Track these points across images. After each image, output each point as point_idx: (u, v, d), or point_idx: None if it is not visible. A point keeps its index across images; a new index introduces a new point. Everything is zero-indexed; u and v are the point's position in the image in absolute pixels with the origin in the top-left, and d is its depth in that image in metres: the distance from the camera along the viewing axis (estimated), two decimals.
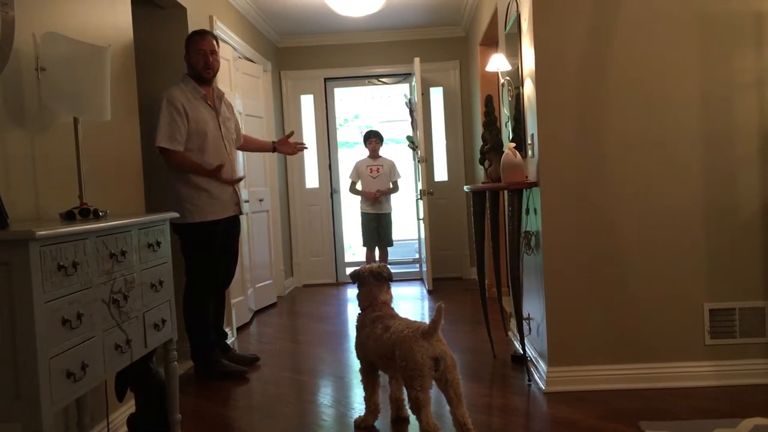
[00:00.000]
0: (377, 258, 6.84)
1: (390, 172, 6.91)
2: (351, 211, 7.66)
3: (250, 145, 4.46)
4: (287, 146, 4.47)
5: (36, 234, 1.76)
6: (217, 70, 3.95)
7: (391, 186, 6.94)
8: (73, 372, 1.93)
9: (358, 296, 3.05)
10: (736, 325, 3.28)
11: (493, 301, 4.92)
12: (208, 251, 3.86)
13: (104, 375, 2.16)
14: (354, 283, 3.08)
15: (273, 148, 4.49)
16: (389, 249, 7.03)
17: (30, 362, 1.77)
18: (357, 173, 6.95)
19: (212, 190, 3.81)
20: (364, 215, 6.91)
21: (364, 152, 7.02)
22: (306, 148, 4.65)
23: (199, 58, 3.82)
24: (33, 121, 2.47)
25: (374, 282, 3.00)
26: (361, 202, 6.93)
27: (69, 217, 2.36)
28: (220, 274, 4.01)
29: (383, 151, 7.02)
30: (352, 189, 7.01)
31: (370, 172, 6.87)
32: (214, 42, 3.91)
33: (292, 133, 4.56)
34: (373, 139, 6.95)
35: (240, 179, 4.00)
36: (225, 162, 3.83)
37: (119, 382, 2.79)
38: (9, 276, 1.76)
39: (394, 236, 7.08)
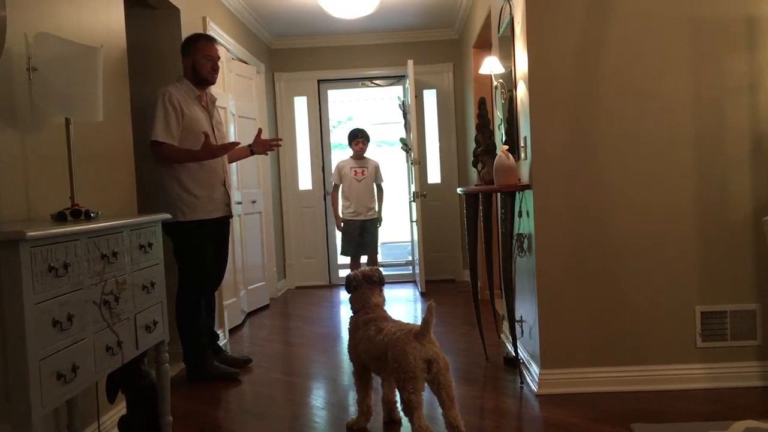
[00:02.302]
0: (364, 263, 6.38)
1: (375, 175, 6.37)
2: None
3: (231, 157, 4.35)
4: (260, 146, 4.26)
5: (26, 235, 1.75)
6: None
7: (376, 191, 6.38)
8: (63, 374, 1.91)
9: (351, 299, 3.05)
10: (727, 327, 3.29)
11: (486, 304, 4.93)
12: (200, 251, 3.86)
13: (95, 377, 2.15)
14: (347, 287, 3.07)
15: (251, 151, 4.28)
16: (378, 251, 6.54)
17: (20, 364, 1.76)
18: (339, 175, 6.36)
19: (204, 189, 3.83)
20: (345, 222, 6.32)
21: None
22: (279, 145, 4.43)
23: (207, 63, 3.90)
24: (24, 121, 2.46)
25: (367, 285, 3.00)
26: (342, 206, 6.35)
27: (60, 218, 2.34)
28: (210, 275, 4.01)
29: (369, 152, 6.52)
30: (335, 195, 6.40)
31: (355, 174, 6.31)
32: (218, 49, 4.03)
33: (260, 131, 4.29)
34: (360, 139, 6.35)
35: (233, 144, 3.87)
36: (217, 162, 3.88)
37: (110, 384, 2.78)
38: None
39: (388, 238, 6.73)
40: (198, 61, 3.88)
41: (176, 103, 3.73)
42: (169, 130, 3.71)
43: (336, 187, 6.40)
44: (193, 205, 3.80)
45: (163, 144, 3.70)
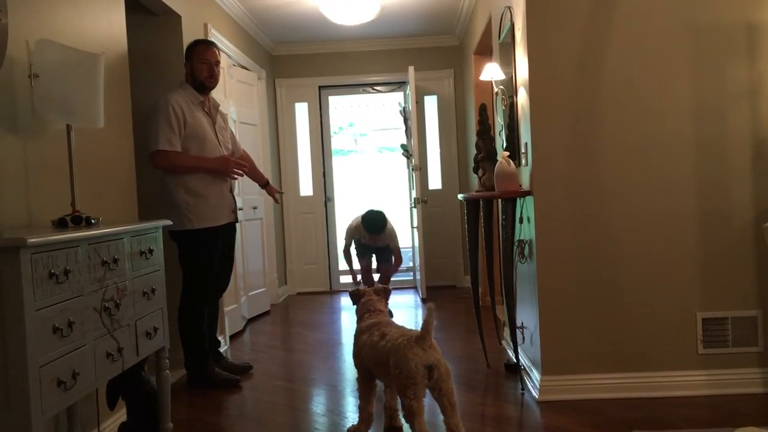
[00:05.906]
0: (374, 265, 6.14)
1: (390, 236, 5.90)
2: (346, 217, 7.35)
3: (250, 171, 4.35)
4: (271, 191, 4.53)
5: (27, 241, 1.75)
6: (218, 81, 4.01)
7: (394, 258, 5.97)
8: (63, 380, 1.91)
9: (357, 310, 3.12)
10: (729, 334, 3.29)
11: (487, 310, 4.92)
12: (207, 258, 3.87)
13: (95, 383, 2.14)
14: (353, 300, 3.15)
15: (266, 183, 4.51)
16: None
17: (20, 370, 1.76)
18: (351, 238, 5.99)
19: (211, 196, 3.84)
20: (359, 244, 5.99)
21: (357, 160, 6.69)
22: (282, 192, 4.83)
23: (203, 68, 3.87)
24: (26, 127, 2.47)
25: (373, 294, 3.11)
26: (354, 231, 5.94)
27: (61, 224, 2.35)
28: (215, 282, 4.01)
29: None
30: (347, 253, 5.98)
31: (368, 241, 5.94)
32: (218, 53, 4.00)
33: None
34: (373, 235, 5.82)
35: (243, 167, 4.00)
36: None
37: (110, 391, 2.77)
38: None
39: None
40: (195, 65, 3.87)
41: (179, 110, 3.71)
42: (171, 139, 3.69)
43: (348, 246, 6.02)
44: (200, 213, 3.80)
45: (169, 152, 3.68)
